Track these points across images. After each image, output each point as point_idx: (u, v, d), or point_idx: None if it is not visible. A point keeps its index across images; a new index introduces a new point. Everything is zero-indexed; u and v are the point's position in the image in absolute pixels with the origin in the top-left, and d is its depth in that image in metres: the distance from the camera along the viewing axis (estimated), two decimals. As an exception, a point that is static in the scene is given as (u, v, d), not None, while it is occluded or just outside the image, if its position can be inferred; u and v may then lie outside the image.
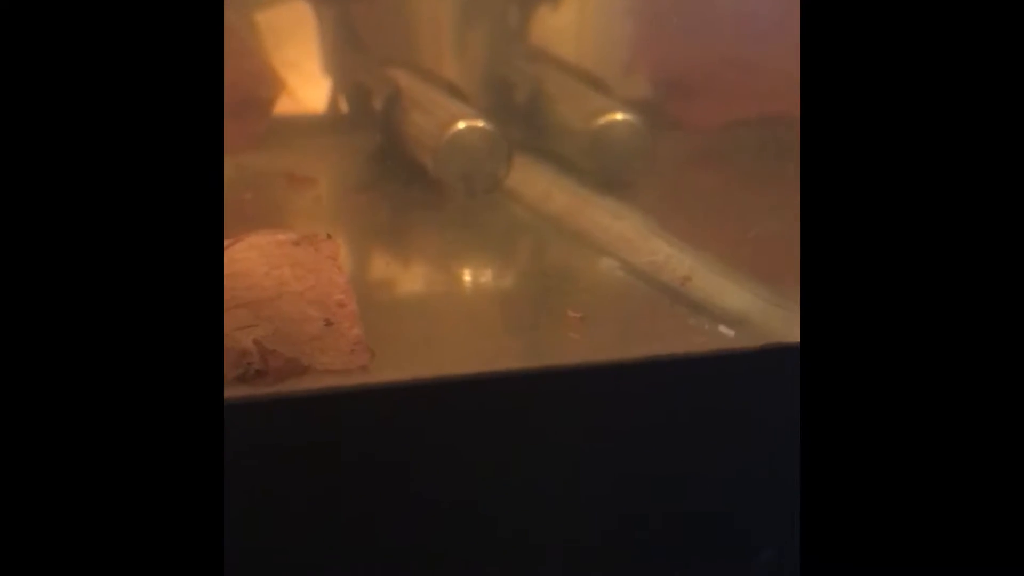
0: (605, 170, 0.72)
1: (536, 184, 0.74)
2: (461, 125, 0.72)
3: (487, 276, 0.66)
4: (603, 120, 0.72)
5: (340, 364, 0.51)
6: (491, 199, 0.72)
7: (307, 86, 0.86)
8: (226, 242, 0.59)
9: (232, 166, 0.80)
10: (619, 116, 0.72)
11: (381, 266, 0.69)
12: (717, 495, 0.47)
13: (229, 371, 0.49)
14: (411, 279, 0.57)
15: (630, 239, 0.62)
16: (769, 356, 0.46)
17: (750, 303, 0.61)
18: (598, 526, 0.48)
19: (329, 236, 0.61)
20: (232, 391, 0.48)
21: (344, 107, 0.85)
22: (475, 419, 0.48)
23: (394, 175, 0.80)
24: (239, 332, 0.52)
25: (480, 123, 0.72)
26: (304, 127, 0.86)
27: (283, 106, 0.81)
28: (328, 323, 0.54)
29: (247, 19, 0.80)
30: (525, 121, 0.78)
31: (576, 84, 0.79)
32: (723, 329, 0.54)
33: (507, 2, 0.84)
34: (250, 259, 0.58)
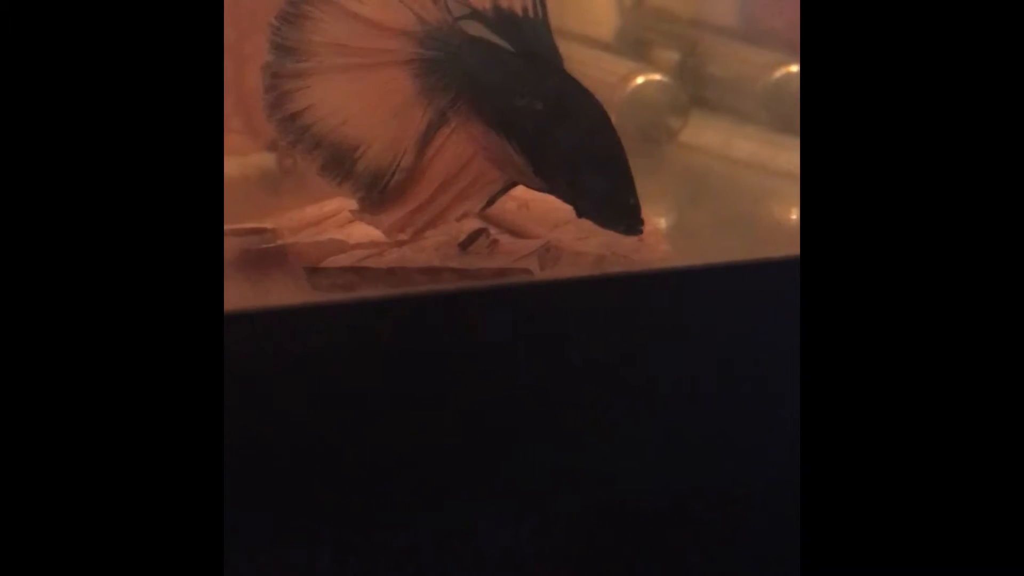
0: (783, 120, 0.75)
1: (711, 134, 0.77)
2: (640, 80, 0.74)
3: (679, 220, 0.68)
4: (780, 73, 0.76)
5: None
6: (668, 150, 0.75)
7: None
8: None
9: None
10: (794, 68, 0.75)
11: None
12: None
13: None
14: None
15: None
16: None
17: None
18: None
19: None
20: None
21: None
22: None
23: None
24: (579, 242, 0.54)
25: (659, 76, 0.75)
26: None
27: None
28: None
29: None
30: (676, 77, 0.81)
31: (726, 41, 0.83)
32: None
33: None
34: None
